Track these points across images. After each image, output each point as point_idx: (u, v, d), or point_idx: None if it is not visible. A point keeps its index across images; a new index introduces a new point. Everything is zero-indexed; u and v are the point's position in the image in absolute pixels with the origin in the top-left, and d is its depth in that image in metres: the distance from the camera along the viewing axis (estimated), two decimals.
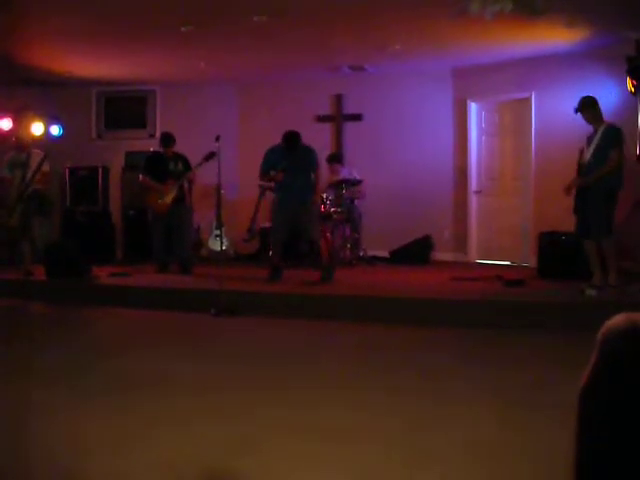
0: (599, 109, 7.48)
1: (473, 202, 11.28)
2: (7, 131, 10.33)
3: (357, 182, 10.62)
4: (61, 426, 3.70)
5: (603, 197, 7.25)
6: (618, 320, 1.34)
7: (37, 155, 9.33)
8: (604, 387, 1.30)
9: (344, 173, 10.75)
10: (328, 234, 9.53)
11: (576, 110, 7.55)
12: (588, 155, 7.42)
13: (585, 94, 7.65)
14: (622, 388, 1.27)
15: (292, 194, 8.62)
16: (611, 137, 7.31)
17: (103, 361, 5.30)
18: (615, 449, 1.27)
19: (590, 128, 7.57)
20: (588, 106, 7.47)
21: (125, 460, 3.24)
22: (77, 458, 3.27)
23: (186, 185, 9.62)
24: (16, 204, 9.09)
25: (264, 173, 8.85)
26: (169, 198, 9.30)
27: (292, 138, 8.61)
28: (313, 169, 8.83)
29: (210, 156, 8.66)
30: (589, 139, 7.55)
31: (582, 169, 7.49)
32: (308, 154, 8.79)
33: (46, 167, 9.35)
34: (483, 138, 11.27)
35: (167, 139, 9.57)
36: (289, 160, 8.57)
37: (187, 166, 9.51)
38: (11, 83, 11.00)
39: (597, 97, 7.63)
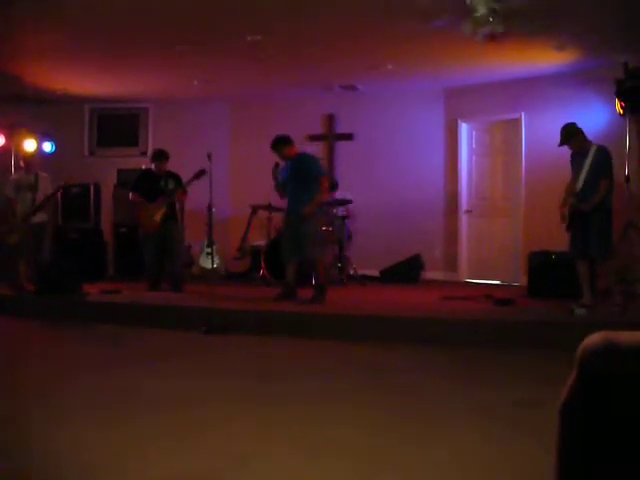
0: (582, 132, 7.46)
1: (463, 221, 11.33)
2: (0, 147, 10.45)
3: (347, 201, 10.68)
4: (47, 444, 3.68)
5: (604, 219, 7.26)
6: (595, 338, 1.36)
7: (44, 179, 9.47)
8: (581, 404, 1.32)
9: (337, 195, 10.80)
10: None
11: (561, 143, 7.51)
12: (580, 181, 7.35)
13: (568, 120, 7.63)
14: (598, 406, 1.29)
15: (290, 209, 8.42)
16: (603, 164, 7.28)
17: (89, 377, 5.28)
18: (591, 466, 1.29)
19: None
20: (574, 135, 7.44)
21: (119, 477, 3.24)
22: (66, 478, 3.26)
23: (178, 202, 9.60)
24: (20, 223, 9.21)
25: (276, 187, 8.54)
26: (158, 216, 9.25)
27: (272, 144, 8.35)
28: (313, 178, 8.23)
29: (200, 174, 8.70)
30: (575, 159, 7.53)
31: (573, 195, 7.41)
32: (304, 162, 8.37)
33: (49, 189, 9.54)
34: (474, 158, 11.33)
35: (157, 155, 9.55)
36: (288, 172, 8.34)
37: (179, 184, 9.42)
38: (4, 100, 11.02)
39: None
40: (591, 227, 7.27)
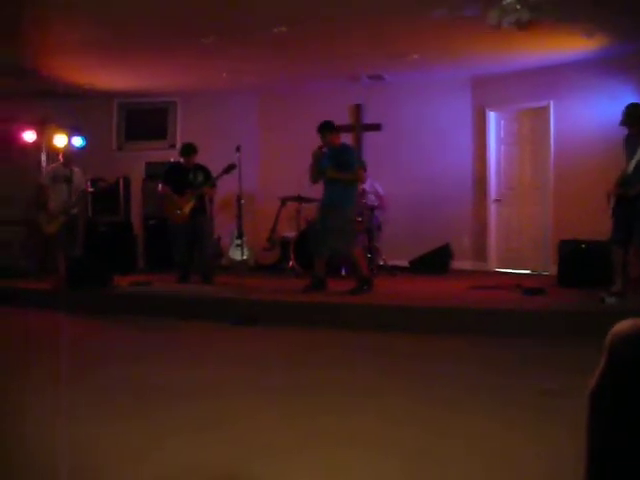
0: None
1: (492, 211, 11.28)
2: (31, 143, 10.62)
3: (378, 195, 10.71)
4: (71, 435, 3.69)
5: None
6: (625, 325, 1.36)
7: (78, 173, 9.71)
8: (610, 390, 1.32)
9: (366, 185, 10.75)
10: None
11: (624, 123, 7.23)
12: (631, 165, 7.06)
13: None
14: (627, 391, 1.30)
15: (326, 200, 8.36)
16: None
17: (115, 369, 5.31)
18: (621, 451, 1.29)
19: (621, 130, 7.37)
20: (638, 118, 7.15)
21: (137, 470, 3.26)
22: (89, 468, 3.27)
23: (207, 196, 9.60)
24: (59, 215, 9.40)
25: (312, 169, 8.38)
26: (187, 209, 9.29)
27: (319, 127, 8.29)
28: (350, 169, 8.17)
29: (230, 168, 8.72)
30: (629, 141, 7.22)
31: (623, 179, 7.15)
32: (345, 154, 8.31)
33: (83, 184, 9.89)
34: (502, 147, 11.28)
35: (186, 149, 9.55)
36: (328, 160, 8.24)
37: (208, 178, 9.42)
38: (34, 95, 11.14)
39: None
40: (637, 215, 7.05)
